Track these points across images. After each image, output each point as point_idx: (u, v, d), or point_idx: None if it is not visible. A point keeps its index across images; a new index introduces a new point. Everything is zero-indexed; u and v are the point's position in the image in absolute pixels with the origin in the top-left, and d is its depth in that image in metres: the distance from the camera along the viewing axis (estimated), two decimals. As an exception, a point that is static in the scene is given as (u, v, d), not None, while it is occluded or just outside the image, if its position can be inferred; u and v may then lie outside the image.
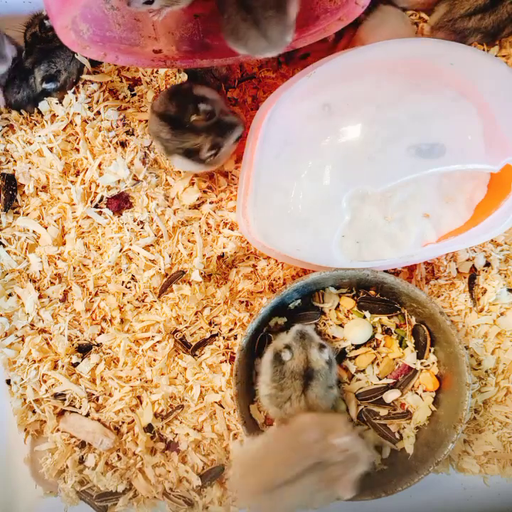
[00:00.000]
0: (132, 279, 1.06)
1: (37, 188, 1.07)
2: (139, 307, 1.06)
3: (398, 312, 1.02)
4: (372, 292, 1.02)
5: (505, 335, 1.03)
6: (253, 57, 0.87)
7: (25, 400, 1.06)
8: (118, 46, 0.95)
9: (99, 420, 1.05)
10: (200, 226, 1.06)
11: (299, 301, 1.03)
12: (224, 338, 1.05)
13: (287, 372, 0.91)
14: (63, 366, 1.05)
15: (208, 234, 1.07)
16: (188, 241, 1.06)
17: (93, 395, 1.06)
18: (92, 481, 1.05)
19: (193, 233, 1.06)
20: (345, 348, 1.01)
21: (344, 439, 0.82)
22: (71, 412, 1.06)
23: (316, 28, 0.93)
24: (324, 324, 1.02)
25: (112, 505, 1.06)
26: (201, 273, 1.04)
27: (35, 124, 1.08)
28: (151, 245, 1.06)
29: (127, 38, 0.97)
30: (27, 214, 1.07)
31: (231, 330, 1.05)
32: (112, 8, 0.93)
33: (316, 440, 0.81)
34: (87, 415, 1.05)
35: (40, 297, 1.06)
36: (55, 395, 1.05)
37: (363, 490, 0.94)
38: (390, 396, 1.00)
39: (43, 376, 1.05)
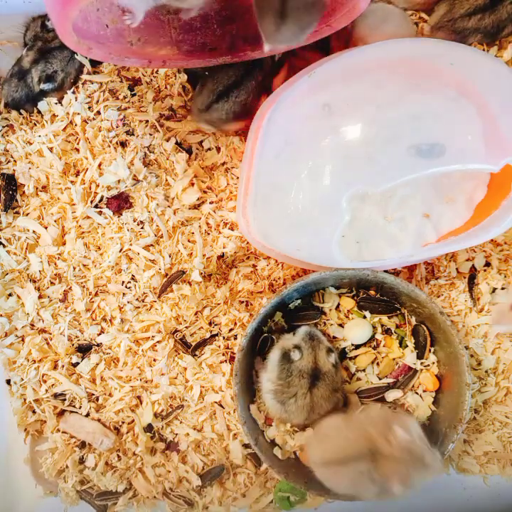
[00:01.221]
0: (132, 279, 1.06)
1: (37, 188, 1.07)
2: (139, 307, 1.06)
3: (398, 312, 1.02)
4: (372, 292, 1.02)
5: (505, 335, 1.03)
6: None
7: (25, 399, 1.06)
8: (170, 53, 0.94)
9: (99, 420, 1.05)
10: (200, 226, 1.06)
11: (299, 301, 1.03)
12: (224, 338, 1.05)
13: (295, 370, 0.92)
14: (63, 366, 1.05)
15: (208, 234, 1.07)
16: (188, 241, 1.06)
17: (93, 395, 1.06)
18: (92, 481, 1.05)
19: (193, 233, 1.06)
20: (345, 348, 1.01)
21: (405, 435, 0.79)
22: (71, 412, 1.06)
23: (343, 11, 0.88)
24: (324, 324, 1.02)
25: (112, 504, 1.06)
26: (201, 273, 1.04)
27: (35, 124, 1.08)
28: (151, 245, 1.05)
29: (183, 40, 0.95)
30: (27, 214, 1.07)
31: (231, 330, 1.05)
32: (169, 12, 0.90)
33: (379, 432, 0.81)
34: (87, 415, 1.05)
35: (40, 297, 1.06)
36: (55, 395, 1.05)
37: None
38: (391, 395, 1.00)
39: (43, 376, 1.05)
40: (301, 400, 0.92)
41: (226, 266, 1.07)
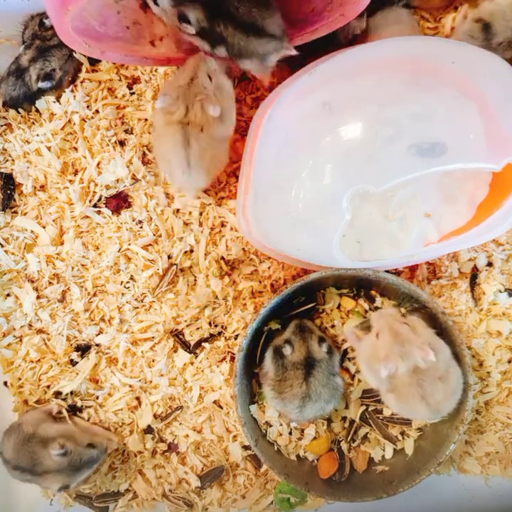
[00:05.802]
0: (131, 278, 1.05)
1: (35, 188, 1.07)
2: (137, 307, 1.05)
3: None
4: (373, 292, 1.02)
5: (506, 335, 1.02)
6: None
7: (25, 400, 1.05)
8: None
9: (100, 421, 1.05)
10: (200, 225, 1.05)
11: (303, 297, 1.02)
12: (225, 338, 1.04)
13: (289, 365, 0.92)
14: (61, 366, 1.05)
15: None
16: (188, 241, 1.06)
17: (92, 395, 1.05)
18: (92, 482, 1.05)
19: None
20: (346, 348, 1.00)
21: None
22: (71, 413, 1.05)
23: (317, 25, 0.91)
24: (325, 323, 1.01)
25: (112, 506, 1.05)
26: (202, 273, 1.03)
27: (33, 123, 1.07)
28: (150, 245, 1.05)
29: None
30: (25, 213, 1.07)
31: (233, 330, 1.04)
32: None
33: None
34: (87, 417, 1.05)
35: (38, 297, 1.06)
36: (55, 396, 1.05)
37: (364, 491, 0.94)
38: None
39: (41, 376, 1.05)
40: (296, 388, 0.91)
41: (227, 266, 1.06)
